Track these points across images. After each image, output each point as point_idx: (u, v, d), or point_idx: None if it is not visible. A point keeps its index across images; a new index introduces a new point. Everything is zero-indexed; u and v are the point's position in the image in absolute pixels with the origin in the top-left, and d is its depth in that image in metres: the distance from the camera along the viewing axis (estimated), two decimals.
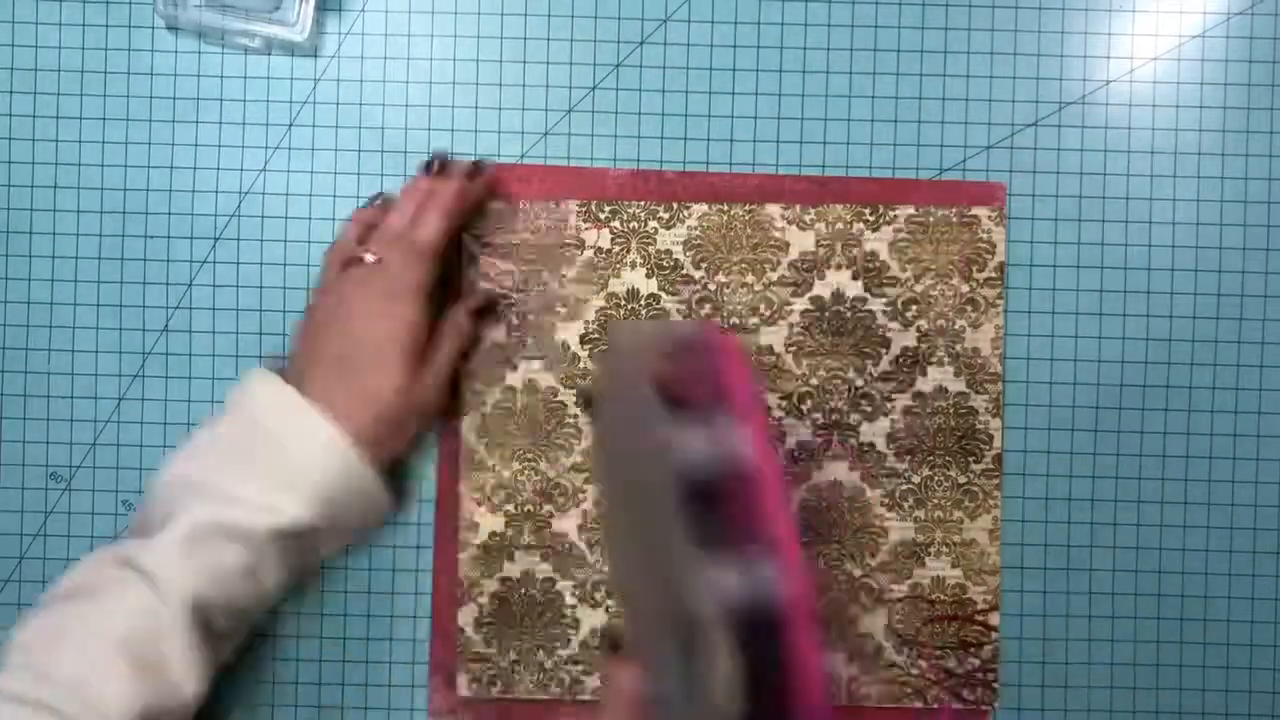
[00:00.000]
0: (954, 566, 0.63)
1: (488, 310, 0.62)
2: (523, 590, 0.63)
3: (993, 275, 0.63)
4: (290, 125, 0.64)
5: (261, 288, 0.63)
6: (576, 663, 0.63)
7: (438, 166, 0.61)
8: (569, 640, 0.63)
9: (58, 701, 0.49)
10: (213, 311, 0.64)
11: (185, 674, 0.52)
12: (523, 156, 0.63)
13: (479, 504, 0.63)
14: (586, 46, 0.63)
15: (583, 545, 0.63)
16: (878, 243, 0.63)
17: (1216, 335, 0.63)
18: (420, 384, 0.58)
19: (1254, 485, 0.63)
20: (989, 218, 0.62)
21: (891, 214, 0.62)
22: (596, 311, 0.63)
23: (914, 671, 0.63)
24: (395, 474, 0.61)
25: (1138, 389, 0.63)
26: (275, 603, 0.57)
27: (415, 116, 0.63)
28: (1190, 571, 0.63)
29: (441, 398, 0.60)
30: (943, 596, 0.63)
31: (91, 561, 0.54)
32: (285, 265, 0.63)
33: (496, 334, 0.63)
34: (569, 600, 0.63)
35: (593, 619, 0.63)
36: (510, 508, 0.63)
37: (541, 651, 0.63)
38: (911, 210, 0.62)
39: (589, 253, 0.63)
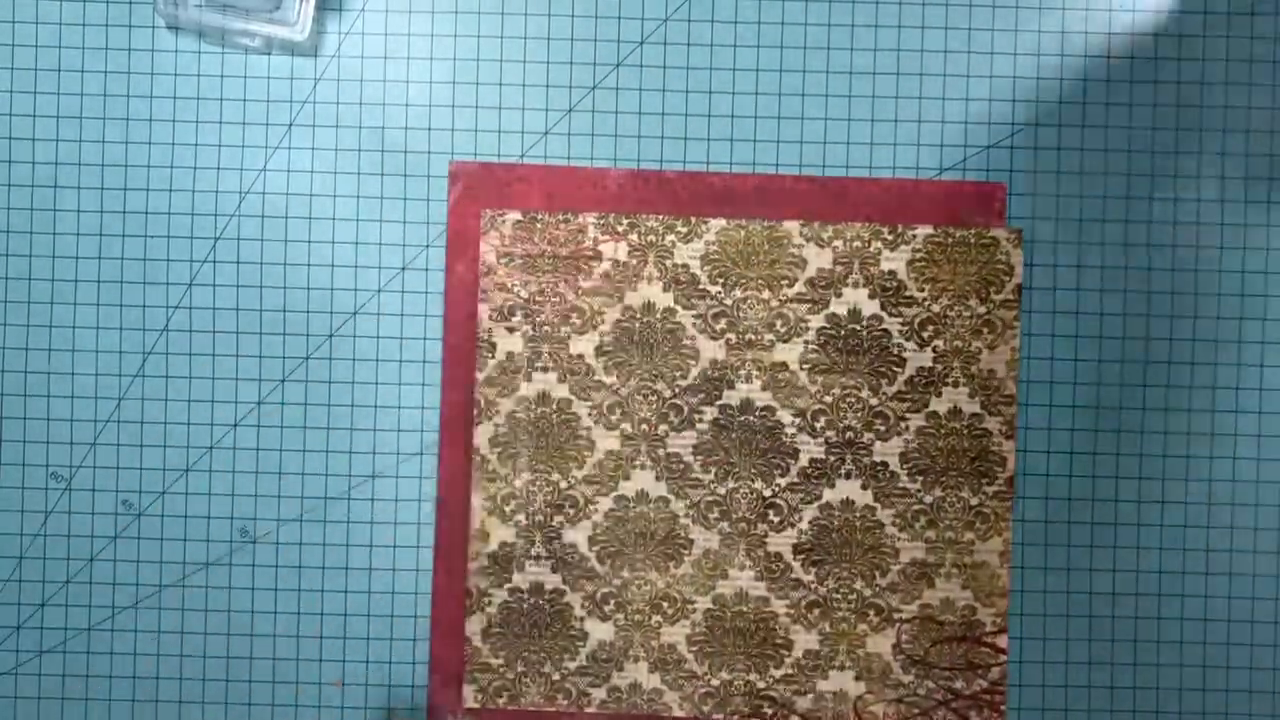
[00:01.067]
0: (964, 588, 0.63)
1: None
2: (531, 601, 0.63)
3: (1009, 297, 0.62)
4: (290, 125, 0.64)
5: (261, 288, 0.63)
6: (585, 674, 0.63)
7: None
8: (577, 652, 0.63)
9: None
10: (213, 311, 0.64)
11: None
12: (523, 156, 0.63)
13: (490, 513, 0.62)
14: (586, 46, 0.63)
15: (592, 557, 0.63)
16: (895, 262, 0.62)
17: (1217, 335, 0.63)
18: None
19: (1254, 485, 0.63)
20: (1007, 240, 0.62)
21: (910, 233, 0.62)
22: (613, 324, 0.63)
23: (921, 691, 0.63)
24: None
25: (1138, 388, 0.63)
26: None
27: (415, 116, 0.63)
28: (1190, 571, 0.63)
29: None
30: (952, 618, 0.63)
31: None
32: (285, 265, 0.63)
33: (513, 344, 0.63)
34: (578, 612, 0.63)
35: (602, 631, 0.63)
36: (521, 518, 0.63)
37: (549, 663, 0.63)
38: (930, 230, 0.62)
39: (606, 264, 0.63)
